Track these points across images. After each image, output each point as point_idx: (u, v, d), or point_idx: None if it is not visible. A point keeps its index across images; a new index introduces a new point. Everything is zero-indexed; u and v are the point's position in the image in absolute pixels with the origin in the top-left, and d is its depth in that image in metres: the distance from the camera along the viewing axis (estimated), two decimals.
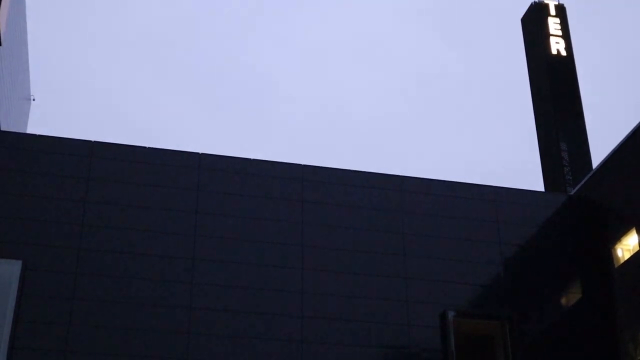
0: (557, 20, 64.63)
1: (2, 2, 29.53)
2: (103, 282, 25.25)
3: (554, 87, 62.09)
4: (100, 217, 26.13)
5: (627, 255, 28.93)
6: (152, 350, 24.74)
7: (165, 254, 26.08)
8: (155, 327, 25.05)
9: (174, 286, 25.72)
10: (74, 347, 24.24)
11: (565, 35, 64.52)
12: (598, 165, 31.46)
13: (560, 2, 66.38)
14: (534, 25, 65.84)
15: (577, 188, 33.00)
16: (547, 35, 64.45)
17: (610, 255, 29.51)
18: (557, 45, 64.09)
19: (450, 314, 27.17)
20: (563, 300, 29.20)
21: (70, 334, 24.36)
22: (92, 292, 25.03)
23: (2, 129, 34.44)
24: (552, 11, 64.84)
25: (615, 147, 30.33)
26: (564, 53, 63.48)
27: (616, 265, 29.21)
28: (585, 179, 32.41)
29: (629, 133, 29.63)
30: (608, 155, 30.71)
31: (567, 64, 63.24)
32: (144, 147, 27.65)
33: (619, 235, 29.26)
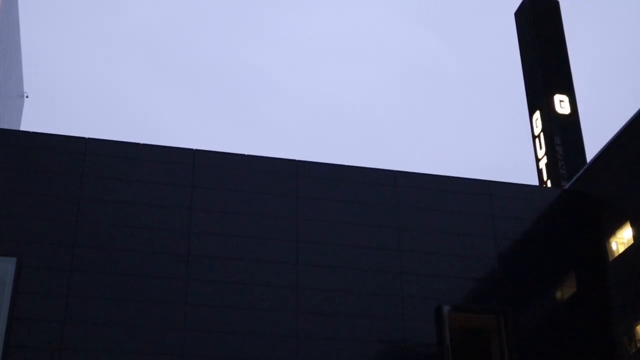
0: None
1: None
2: (98, 279, 25.20)
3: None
4: (94, 214, 26.06)
5: (621, 249, 28.96)
6: (147, 347, 24.71)
7: (159, 250, 26.03)
8: (151, 323, 25.02)
9: (169, 283, 25.68)
10: (69, 345, 24.19)
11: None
12: (592, 159, 31.47)
13: None
14: (526, 18, 65.88)
15: (571, 182, 33.00)
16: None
17: (604, 248, 29.55)
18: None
19: (446, 309, 27.18)
20: (558, 294, 29.23)
21: (65, 331, 24.31)
22: (87, 289, 24.98)
23: None
24: None
25: (609, 141, 30.34)
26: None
27: (610, 259, 29.25)
28: (580, 172, 32.42)
29: (623, 126, 29.64)
30: (602, 149, 30.73)
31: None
32: (138, 144, 27.59)
33: (613, 228, 29.30)
